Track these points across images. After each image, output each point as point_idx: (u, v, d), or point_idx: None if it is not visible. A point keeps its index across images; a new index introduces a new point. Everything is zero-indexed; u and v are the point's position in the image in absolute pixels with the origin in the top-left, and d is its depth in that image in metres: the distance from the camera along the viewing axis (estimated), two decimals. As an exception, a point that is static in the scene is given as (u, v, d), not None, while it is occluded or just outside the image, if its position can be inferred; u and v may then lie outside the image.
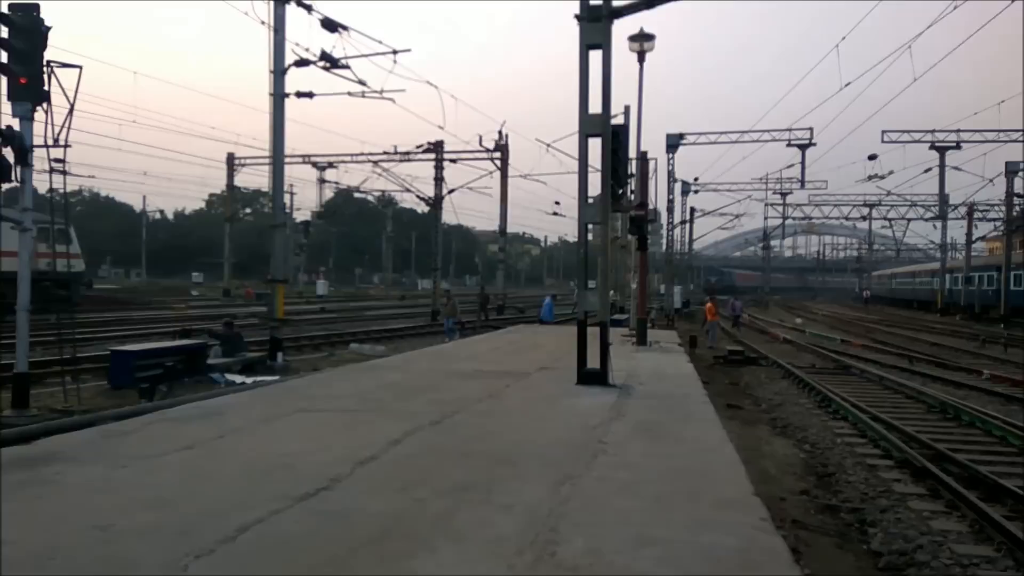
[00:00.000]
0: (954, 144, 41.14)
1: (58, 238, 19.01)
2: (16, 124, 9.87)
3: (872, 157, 39.54)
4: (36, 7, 9.97)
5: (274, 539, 3.88)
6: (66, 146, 10.55)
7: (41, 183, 11.52)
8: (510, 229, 43.64)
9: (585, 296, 10.30)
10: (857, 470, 8.74)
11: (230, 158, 48.87)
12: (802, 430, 11.25)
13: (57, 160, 10.71)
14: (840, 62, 21.54)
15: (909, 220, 52.69)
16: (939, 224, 50.95)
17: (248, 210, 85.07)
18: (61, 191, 12.45)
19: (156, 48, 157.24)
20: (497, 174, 37.89)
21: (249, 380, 13.50)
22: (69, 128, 10.46)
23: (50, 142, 10.32)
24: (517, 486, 4.96)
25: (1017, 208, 44.25)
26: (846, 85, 21.57)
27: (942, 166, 42.40)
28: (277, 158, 17.14)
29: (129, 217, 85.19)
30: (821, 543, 6.30)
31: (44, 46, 10.02)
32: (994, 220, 47.35)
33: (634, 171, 20.63)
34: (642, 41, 17.06)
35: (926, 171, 42.20)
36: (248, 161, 47.55)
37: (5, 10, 9.81)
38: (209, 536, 3.84)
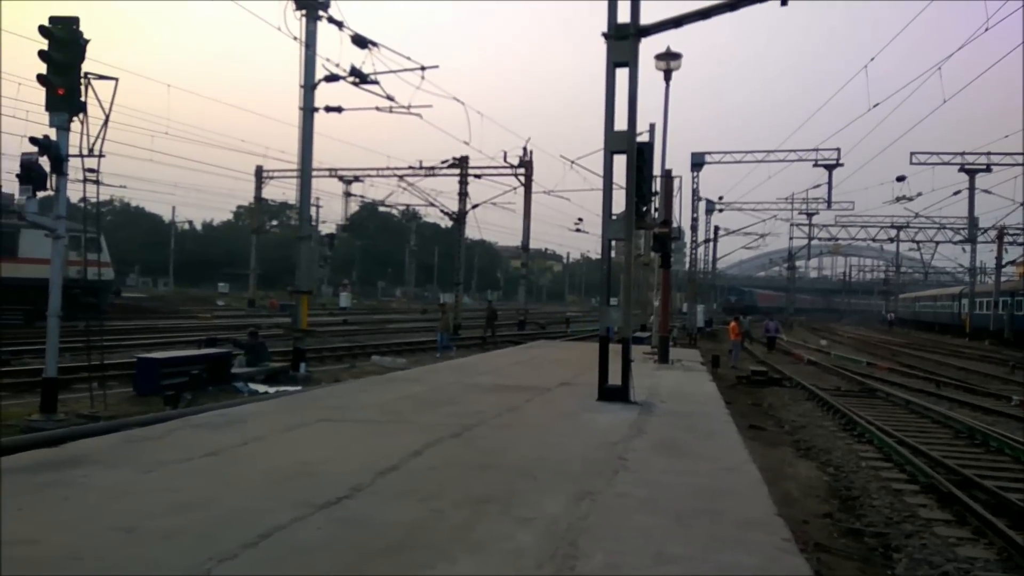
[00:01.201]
0: (984, 167, 40.71)
1: (89, 247, 19.36)
2: (53, 134, 10.10)
3: (900, 178, 39.25)
4: (76, 20, 10.23)
5: (295, 546, 3.91)
6: (100, 156, 10.76)
7: (74, 192, 11.76)
8: (532, 245, 43.64)
9: (607, 312, 10.29)
10: (882, 494, 8.61)
11: (258, 171, 49.53)
12: (826, 453, 11.12)
13: (90, 170, 10.90)
14: (868, 82, 21.36)
15: (937, 243, 52.08)
16: (968, 247, 50.21)
17: (275, 222, 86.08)
18: (93, 200, 12.69)
19: (189, 62, 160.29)
20: (521, 190, 38.04)
21: (272, 390, 13.61)
22: (103, 139, 10.68)
23: (85, 152, 10.55)
24: (537, 500, 4.96)
25: (1048, 232, 43.54)
26: (875, 106, 21.31)
27: (972, 188, 41.95)
28: (305, 171, 17.36)
29: (158, 227, 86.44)
30: (844, 567, 6.21)
31: (82, 58, 10.26)
32: (1025, 244, 46.64)
33: (658, 189, 20.60)
34: (668, 60, 17.12)
35: (955, 193, 41.82)
36: (276, 174, 48.18)
37: (46, 23, 10.08)
38: (232, 541, 3.88)
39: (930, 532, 7.16)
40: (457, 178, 37.11)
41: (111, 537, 3.93)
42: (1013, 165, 38.93)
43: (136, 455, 5.94)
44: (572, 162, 31.56)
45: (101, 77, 10.65)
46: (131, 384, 13.22)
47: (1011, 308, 43.40)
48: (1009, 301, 43.86)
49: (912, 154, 39.69)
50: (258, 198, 52.18)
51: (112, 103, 10.70)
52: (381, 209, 64.94)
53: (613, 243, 10.52)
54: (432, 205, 39.69)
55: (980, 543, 6.87)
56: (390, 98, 19.16)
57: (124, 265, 64.60)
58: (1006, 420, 14.40)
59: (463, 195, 37.01)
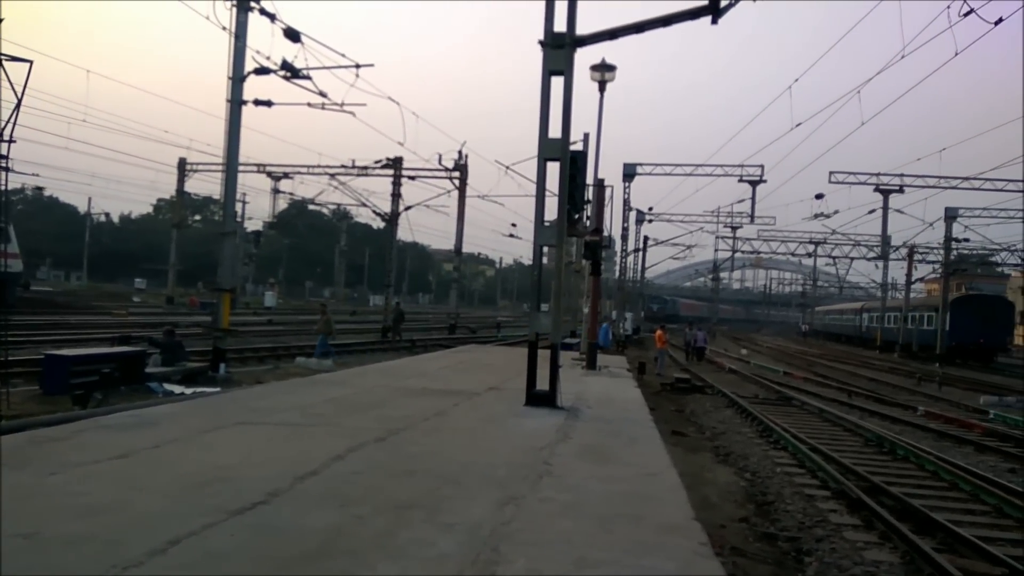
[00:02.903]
0: (897, 188, 42.68)
1: (-4, 236, 18.36)
2: (-42, 116, 9.55)
3: (819, 196, 40.80)
4: (-14, -2, 9.71)
5: (206, 553, 3.77)
6: (10, 141, 10.26)
7: (-19, 178, 11.13)
8: (466, 249, 43.67)
9: (537, 318, 10.34)
10: (795, 499, 8.90)
11: (181, 163, 47.88)
12: (744, 459, 11.43)
13: (0, 156, 10.37)
14: (792, 103, 22.18)
15: (852, 259, 54.30)
16: (881, 264, 52.63)
17: (197, 217, 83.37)
18: (2, 188, 12.04)
19: (111, 48, 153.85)
20: (455, 193, 37.93)
21: (189, 391, 13.16)
22: (15, 123, 10.17)
23: (-6, 136, 10.02)
24: (461, 505, 4.93)
25: (954, 252, 46.08)
26: (797, 125, 22.10)
27: (885, 208, 43.92)
28: (231, 165, 16.87)
29: (73, 218, 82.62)
30: (758, 570, 6.38)
31: (-7, 38, 9.74)
32: (933, 263, 49.18)
33: (590, 197, 20.85)
34: (603, 71, 17.32)
35: (870, 212, 43.73)
36: (200, 167, 46.61)
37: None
38: (139, 547, 3.71)
39: (840, 536, 7.44)
40: (390, 179, 36.75)
41: (9, 543, 3.70)
42: (924, 187, 41.02)
43: (41, 457, 5.65)
44: (507, 168, 31.78)
45: (14, 59, 10.15)
46: (38, 382, 12.58)
47: (918, 323, 46.23)
48: (903, 316, 47.72)
49: (831, 173, 41.35)
50: (180, 191, 50.41)
51: (25, 87, 10.23)
52: (311, 207, 63.53)
53: (545, 249, 10.59)
54: (364, 205, 39.16)
55: (886, 547, 7.17)
56: (323, 94, 18.79)
57: (34, 257, 61.53)
58: (912, 429, 15.11)
59: (396, 196, 36.66)
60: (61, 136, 39.08)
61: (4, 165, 10.61)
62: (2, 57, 9.94)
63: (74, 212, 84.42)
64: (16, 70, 10.09)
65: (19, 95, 10.17)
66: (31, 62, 10.33)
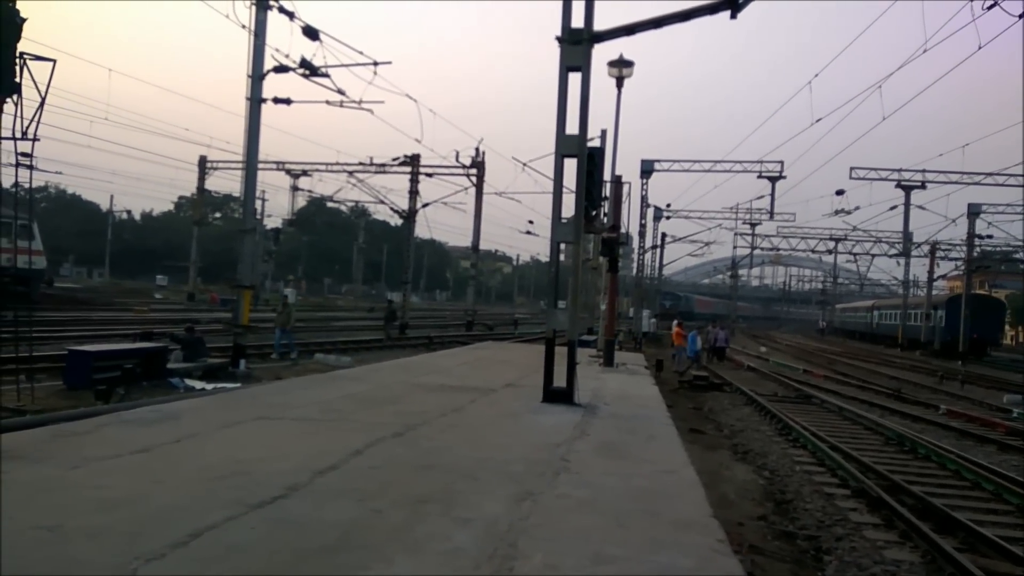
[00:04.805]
0: (919, 184, 42.19)
1: (20, 234, 18.63)
2: (-17, 115, 9.67)
3: (840, 192, 40.44)
4: (11, -2, 9.81)
5: (227, 546, 3.80)
6: (35, 140, 10.36)
7: (6, 177, 11.29)
8: (483, 246, 43.64)
9: (555, 315, 10.33)
10: (815, 498, 8.85)
11: (202, 161, 48.31)
12: (762, 456, 11.37)
13: (24, 154, 10.49)
14: (812, 98, 21.93)
15: (873, 256, 53.73)
16: (902, 261, 52.01)
17: (218, 214, 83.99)
18: (26, 186, 12.19)
19: (132, 47, 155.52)
20: (472, 190, 37.97)
21: (209, 386, 13.29)
22: (39, 122, 10.29)
23: (18, 135, 10.13)
24: (477, 500, 4.94)
25: (978, 249, 45.52)
26: (817, 121, 21.86)
27: (907, 204, 43.43)
28: (250, 163, 16.99)
29: (95, 216, 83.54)
30: (776, 569, 6.35)
31: (18, 38, 9.84)
32: (955, 259, 48.55)
33: (608, 194, 20.77)
34: (621, 67, 17.24)
35: (892, 208, 43.29)
36: (220, 165, 47.05)
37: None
38: (160, 540, 3.76)
39: (860, 535, 7.38)
40: (408, 176, 36.86)
41: (34, 535, 3.77)
42: (947, 183, 40.50)
43: (63, 451, 5.73)
44: (524, 164, 31.61)
45: (38, 58, 10.26)
46: (61, 377, 12.75)
47: (939, 321, 45.98)
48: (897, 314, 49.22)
49: (851, 169, 40.97)
50: (201, 189, 50.83)
51: (49, 85, 10.33)
52: (329, 205, 64.07)
53: (562, 246, 10.57)
54: (382, 202, 39.36)
55: (906, 546, 7.11)
56: (341, 92, 18.89)
57: (58, 254, 62.35)
58: (934, 428, 14.95)
59: (414, 193, 36.76)
60: (83, 134, 39.54)
61: (28, 164, 10.73)
62: (26, 57, 10.05)
63: (96, 210, 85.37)
64: (40, 69, 10.20)
65: (43, 94, 10.28)
66: (55, 61, 10.44)
